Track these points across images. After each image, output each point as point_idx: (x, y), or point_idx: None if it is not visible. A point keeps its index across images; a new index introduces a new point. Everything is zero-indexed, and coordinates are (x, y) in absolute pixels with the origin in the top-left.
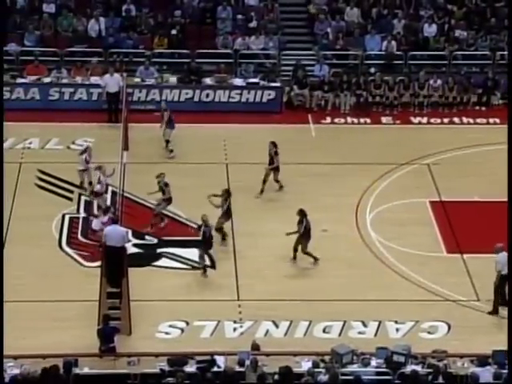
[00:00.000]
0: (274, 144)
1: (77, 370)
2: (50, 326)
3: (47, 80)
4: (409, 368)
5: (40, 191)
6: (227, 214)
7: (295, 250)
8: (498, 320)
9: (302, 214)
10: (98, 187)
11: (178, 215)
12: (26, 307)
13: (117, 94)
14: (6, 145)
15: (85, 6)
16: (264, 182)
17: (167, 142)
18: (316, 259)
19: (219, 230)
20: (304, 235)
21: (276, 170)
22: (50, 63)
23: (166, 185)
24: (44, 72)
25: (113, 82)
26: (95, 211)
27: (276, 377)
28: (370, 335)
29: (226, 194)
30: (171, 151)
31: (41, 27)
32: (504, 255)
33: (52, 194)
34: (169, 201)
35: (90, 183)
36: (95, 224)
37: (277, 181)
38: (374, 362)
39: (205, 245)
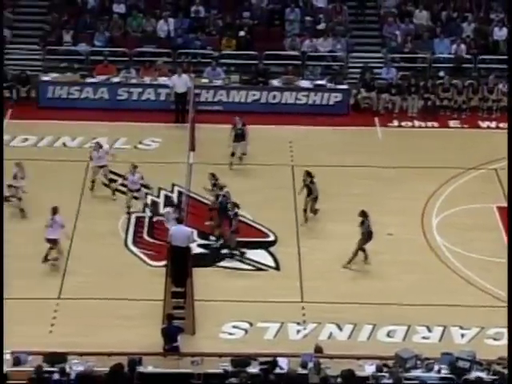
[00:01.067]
0: (309, 174)
1: (141, 369)
2: (114, 324)
3: (116, 80)
4: (473, 374)
5: (107, 190)
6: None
7: (363, 251)
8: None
9: (363, 215)
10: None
11: (243, 216)
12: (91, 305)
13: (184, 95)
14: (74, 143)
15: (154, 6)
16: (305, 211)
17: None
18: (366, 258)
19: (315, 211)
20: (364, 237)
21: (315, 199)
22: (119, 63)
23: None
24: (113, 72)
25: (181, 82)
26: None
27: (338, 380)
28: (434, 340)
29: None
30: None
31: (111, 27)
32: None
33: (118, 192)
34: None
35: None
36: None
37: (315, 211)
38: (437, 368)
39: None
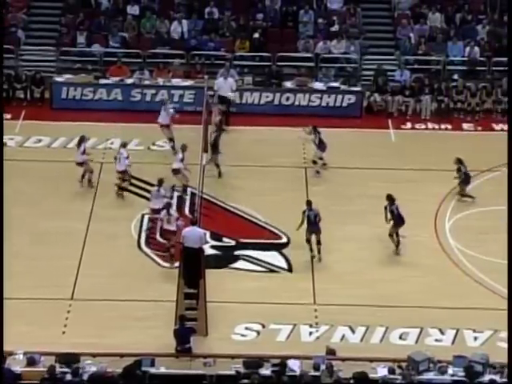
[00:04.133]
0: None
1: (153, 370)
2: (127, 326)
3: (130, 81)
4: (487, 377)
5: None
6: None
7: (391, 236)
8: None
9: (389, 199)
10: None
11: (256, 218)
12: (103, 306)
13: (228, 98)
14: (87, 145)
15: (168, 8)
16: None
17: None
18: (398, 245)
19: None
20: (395, 222)
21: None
22: (133, 64)
23: None
24: (127, 73)
25: (226, 85)
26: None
27: (351, 382)
28: (447, 343)
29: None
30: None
31: (124, 29)
32: None
33: (132, 194)
34: None
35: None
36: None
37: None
38: (450, 371)
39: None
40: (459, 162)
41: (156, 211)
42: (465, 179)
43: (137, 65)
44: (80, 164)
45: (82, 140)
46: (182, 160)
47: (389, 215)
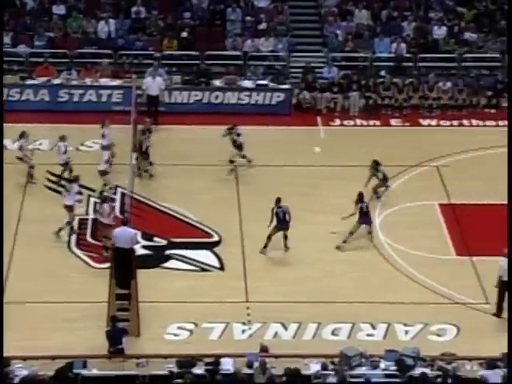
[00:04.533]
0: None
1: (85, 372)
2: (59, 328)
3: (57, 81)
4: (418, 371)
5: (49, 192)
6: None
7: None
8: (507, 323)
9: (359, 196)
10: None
11: (187, 217)
12: (35, 308)
13: (157, 98)
14: (15, 146)
15: (94, 7)
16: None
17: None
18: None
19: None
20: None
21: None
22: (60, 65)
23: None
24: (54, 73)
25: (155, 85)
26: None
27: (284, 379)
28: (378, 338)
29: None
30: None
31: (51, 29)
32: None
33: (61, 195)
34: None
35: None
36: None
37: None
38: (382, 365)
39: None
40: (375, 164)
41: (68, 207)
42: (383, 181)
43: (64, 65)
44: (19, 159)
45: (22, 136)
46: (107, 161)
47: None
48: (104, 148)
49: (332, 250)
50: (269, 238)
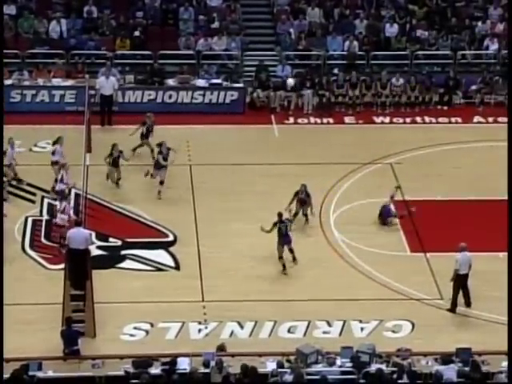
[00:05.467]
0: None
1: (41, 374)
2: (13, 329)
3: (9, 82)
4: (373, 367)
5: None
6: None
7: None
8: (462, 318)
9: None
10: (61, 186)
11: (142, 217)
12: None
13: (111, 97)
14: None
15: (46, 7)
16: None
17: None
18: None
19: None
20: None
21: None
22: (12, 65)
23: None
24: (5, 74)
25: (108, 84)
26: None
27: (240, 376)
28: (334, 335)
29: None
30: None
31: (1, 29)
32: (465, 255)
33: (15, 196)
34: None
35: (56, 180)
36: (60, 219)
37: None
38: (338, 362)
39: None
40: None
41: None
42: (302, 200)
43: (15, 65)
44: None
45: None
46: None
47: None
48: (54, 164)
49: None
50: (280, 258)
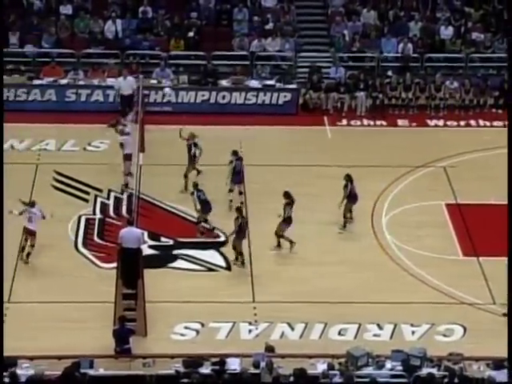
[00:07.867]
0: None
1: (92, 371)
2: (65, 327)
3: (64, 81)
4: (424, 371)
5: (56, 192)
6: (287, 221)
7: (345, 217)
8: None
9: (347, 178)
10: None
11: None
12: (42, 308)
13: (130, 97)
14: (22, 146)
15: (101, 7)
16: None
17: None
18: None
19: (280, 236)
20: (350, 200)
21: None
22: (67, 65)
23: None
24: (61, 73)
25: (126, 84)
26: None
27: (291, 379)
28: (385, 338)
29: (289, 200)
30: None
31: (58, 29)
32: None
33: (68, 195)
34: None
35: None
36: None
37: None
38: (389, 365)
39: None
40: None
41: (30, 232)
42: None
43: (71, 65)
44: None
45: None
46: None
47: (347, 193)
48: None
49: (338, 251)
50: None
